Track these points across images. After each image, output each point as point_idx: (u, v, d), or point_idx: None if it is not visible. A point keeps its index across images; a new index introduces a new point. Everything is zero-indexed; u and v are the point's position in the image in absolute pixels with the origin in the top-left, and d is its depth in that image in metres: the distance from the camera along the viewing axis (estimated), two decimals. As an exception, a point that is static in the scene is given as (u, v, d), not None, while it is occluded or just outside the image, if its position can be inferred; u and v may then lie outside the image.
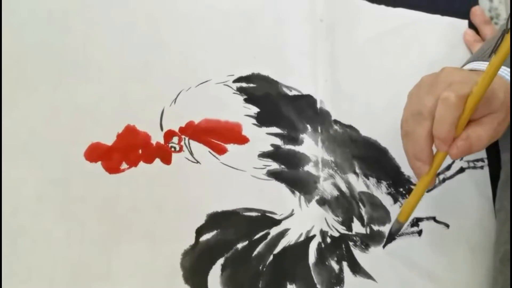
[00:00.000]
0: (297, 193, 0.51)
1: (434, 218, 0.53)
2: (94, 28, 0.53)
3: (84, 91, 0.50)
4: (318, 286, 0.47)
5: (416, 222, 0.52)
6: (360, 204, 0.52)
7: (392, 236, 0.50)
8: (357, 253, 0.50)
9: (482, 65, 0.48)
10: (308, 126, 0.54)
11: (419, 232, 0.52)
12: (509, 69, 0.45)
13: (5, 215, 0.44)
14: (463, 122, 0.41)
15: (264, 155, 0.52)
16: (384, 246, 0.50)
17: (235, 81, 0.54)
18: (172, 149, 0.50)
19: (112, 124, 0.49)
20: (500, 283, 0.47)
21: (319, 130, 0.54)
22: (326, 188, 0.51)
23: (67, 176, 0.47)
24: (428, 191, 0.53)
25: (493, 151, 0.57)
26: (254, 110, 0.53)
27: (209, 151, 0.51)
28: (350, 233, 0.50)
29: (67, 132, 0.48)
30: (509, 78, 0.45)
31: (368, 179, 0.53)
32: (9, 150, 0.46)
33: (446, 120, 0.40)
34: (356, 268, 0.49)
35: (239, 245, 0.47)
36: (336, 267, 0.48)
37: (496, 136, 0.43)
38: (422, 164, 0.43)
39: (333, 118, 0.55)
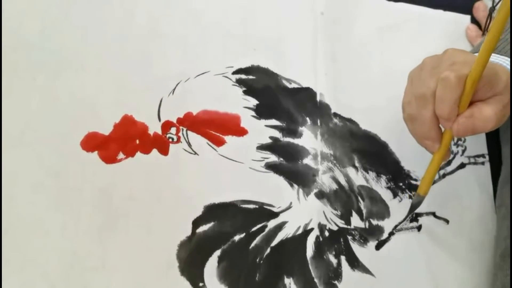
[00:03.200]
0: (296, 186, 0.50)
1: (433, 214, 0.52)
2: (93, 18, 0.53)
3: (82, 80, 0.50)
4: (315, 280, 0.46)
5: (415, 217, 0.52)
6: (359, 198, 0.51)
7: (413, 209, 0.50)
8: (355, 247, 0.49)
9: None
10: (307, 119, 0.53)
11: (419, 228, 0.51)
12: (509, 59, 0.45)
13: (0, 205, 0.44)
14: (466, 100, 0.41)
15: (262, 147, 0.51)
16: (406, 218, 0.51)
17: (234, 72, 0.54)
18: (170, 139, 0.49)
19: (109, 114, 0.49)
20: (499, 278, 0.46)
21: (319, 123, 0.53)
22: (325, 181, 0.51)
23: (63, 166, 0.46)
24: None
25: (494, 147, 0.56)
26: (253, 102, 0.53)
27: (207, 143, 0.50)
28: (348, 227, 0.50)
29: (64, 122, 0.48)
30: (509, 67, 0.44)
31: (367, 173, 0.52)
32: (6, 139, 0.46)
33: (447, 100, 0.40)
34: (355, 263, 0.48)
35: (236, 237, 0.47)
36: (334, 261, 0.48)
37: (501, 120, 0.43)
38: (431, 142, 0.44)
39: (333, 111, 0.54)
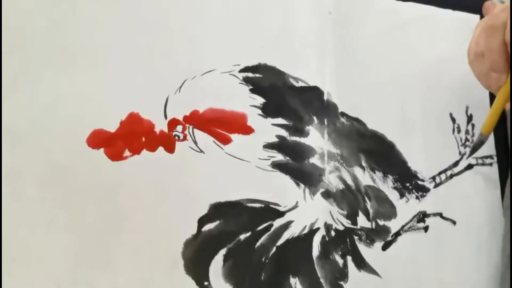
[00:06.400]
0: (302, 185, 0.50)
1: (440, 215, 0.52)
2: (100, 15, 0.52)
3: (88, 77, 0.50)
4: (321, 280, 0.46)
5: (422, 218, 0.51)
6: (366, 198, 0.51)
7: (475, 149, 0.49)
8: (362, 247, 0.49)
9: None
10: (314, 118, 0.53)
11: (425, 228, 0.51)
12: None
13: (6, 201, 0.44)
14: None
15: (269, 146, 0.51)
16: (470, 155, 0.51)
17: (241, 71, 0.53)
18: (176, 137, 0.49)
19: (116, 111, 0.49)
20: (508, 280, 0.46)
21: (326, 123, 0.53)
22: (331, 181, 0.51)
23: (69, 163, 0.46)
24: None
25: (502, 148, 0.56)
26: (260, 100, 0.52)
27: (214, 141, 0.50)
28: (355, 227, 0.49)
29: (70, 119, 0.48)
30: None
31: (374, 173, 0.52)
32: (11, 135, 0.46)
33: None
34: (361, 263, 0.48)
35: (242, 236, 0.47)
36: (340, 261, 0.47)
37: None
38: (498, 75, 0.45)
39: (340, 110, 0.54)
